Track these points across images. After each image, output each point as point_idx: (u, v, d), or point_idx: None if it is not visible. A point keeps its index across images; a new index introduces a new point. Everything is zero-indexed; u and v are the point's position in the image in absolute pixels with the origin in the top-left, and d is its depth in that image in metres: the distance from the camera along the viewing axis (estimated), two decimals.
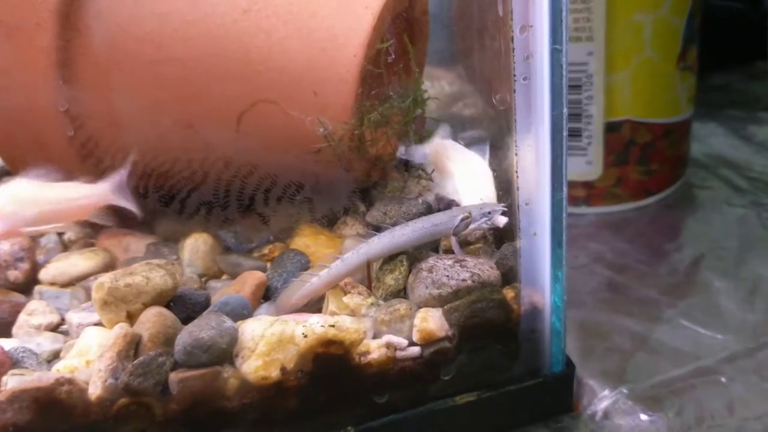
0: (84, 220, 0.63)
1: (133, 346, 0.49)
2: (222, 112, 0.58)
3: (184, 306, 0.54)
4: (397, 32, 0.61)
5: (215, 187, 0.62)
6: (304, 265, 0.58)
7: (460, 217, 0.56)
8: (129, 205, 0.60)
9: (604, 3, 0.77)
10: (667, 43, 0.83)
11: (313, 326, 0.50)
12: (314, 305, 0.56)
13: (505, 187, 0.60)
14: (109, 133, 0.59)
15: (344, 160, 0.59)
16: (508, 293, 0.54)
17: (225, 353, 0.49)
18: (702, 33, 0.88)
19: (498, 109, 0.53)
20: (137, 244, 0.65)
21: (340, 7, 0.58)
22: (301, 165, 0.60)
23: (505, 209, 0.56)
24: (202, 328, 0.48)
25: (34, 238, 0.65)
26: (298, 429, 0.52)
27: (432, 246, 0.59)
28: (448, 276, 0.54)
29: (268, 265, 0.61)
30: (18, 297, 0.59)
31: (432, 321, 0.52)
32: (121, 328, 0.49)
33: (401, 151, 0.67)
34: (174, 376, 0.48)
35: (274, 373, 0.49)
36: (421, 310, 0.53)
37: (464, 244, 0.59)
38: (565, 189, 0.50)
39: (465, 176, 0.64)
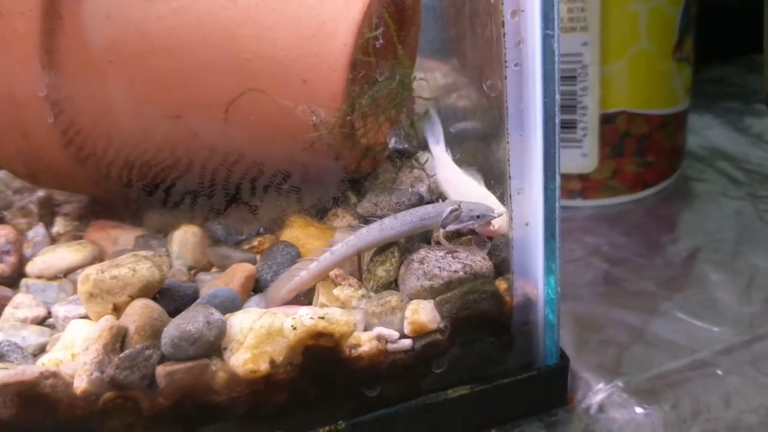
0: (72, 213, 0.62)
1: (119, 339, 0.48)
2: (209, 101, 0.58)
3: (172, 298, 0.53)
4: (387, 19, 0.60)
5: (201, 176, 0.61)
6: (294, 257, 0.58)
7: (449, 209, 0.55)
8: None
9: None
10: (662, 33, 0.82)
11: (303, 318, 0.49)
12: (305, 297, 0.55)
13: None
14: (92, 120, 0.58)
15: (333, 149, 0.58)
16: (501, 285, 0.53)
17: (213, 346, 0.48)
18: (698, 25, 0.87)
19: (490, 97, 0.52)
20: (126, 236, 0.64)
21: None
22: (289, 154, 0.59)
23: (500, 215, 0.55)
24: (190, 321, 0.47)
25: (22, 231, 0.65)
26: (288, 423, 0.51)
27: (423, 237, 0.58)
28: (440, 267, 0.53)
29: (258, 257, 0.60)
30: (4, 290, 0.59)
31: (423, 313, 0.51)
32: (107, 321, 0.48)
33: (393, 142, 0.66)
34: (161, 370, 0.47)
35: (263, 366, 0.48)
36: (412, 302, 0.52)
37: (455, 235, 0.58)
38: (558, 178, 0.49)
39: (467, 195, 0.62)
